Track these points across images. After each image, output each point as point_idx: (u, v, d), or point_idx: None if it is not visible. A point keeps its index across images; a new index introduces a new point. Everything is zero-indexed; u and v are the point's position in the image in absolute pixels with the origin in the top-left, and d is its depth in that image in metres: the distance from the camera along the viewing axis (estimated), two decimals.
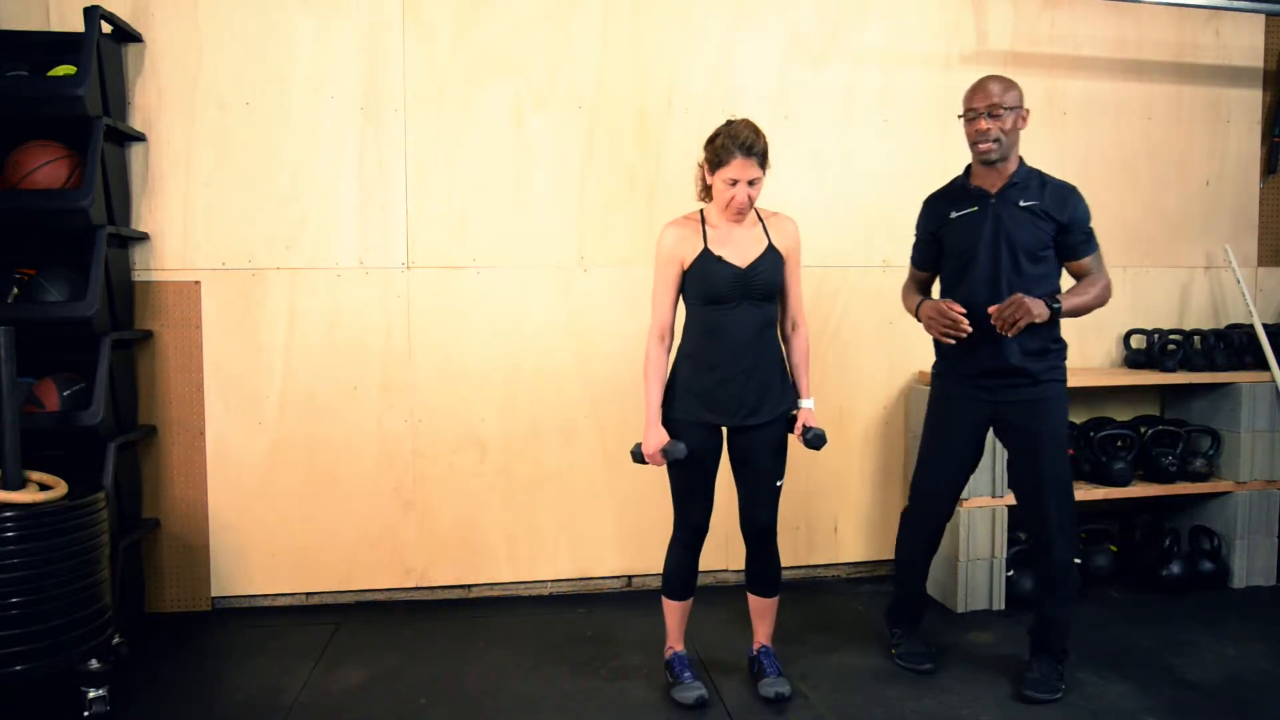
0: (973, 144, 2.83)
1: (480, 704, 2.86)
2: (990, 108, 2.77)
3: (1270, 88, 4.29)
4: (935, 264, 3.02)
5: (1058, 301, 2.75)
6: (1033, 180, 2.84)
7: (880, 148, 3.94)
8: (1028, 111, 2.85)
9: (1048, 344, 2.84)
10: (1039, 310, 2.69)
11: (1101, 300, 2.82)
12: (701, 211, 2.79)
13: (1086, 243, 2.82)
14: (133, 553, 3.45)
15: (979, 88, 2.83)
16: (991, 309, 2.73)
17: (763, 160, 2.64)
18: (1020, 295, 2.70)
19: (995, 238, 2.81)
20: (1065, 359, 2.91)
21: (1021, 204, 2.80)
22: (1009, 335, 2.71)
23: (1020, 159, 2.86)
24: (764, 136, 2.65)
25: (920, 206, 3.05)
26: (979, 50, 4.00)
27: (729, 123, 2.68)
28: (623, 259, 3.77)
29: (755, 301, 2.72)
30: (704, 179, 2.75)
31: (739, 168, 2.61)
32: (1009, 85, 2.81)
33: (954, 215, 2.91)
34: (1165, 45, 4.16)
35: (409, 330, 3.68)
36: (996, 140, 2.78)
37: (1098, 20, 4.08)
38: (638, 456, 2.78)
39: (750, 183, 2.63)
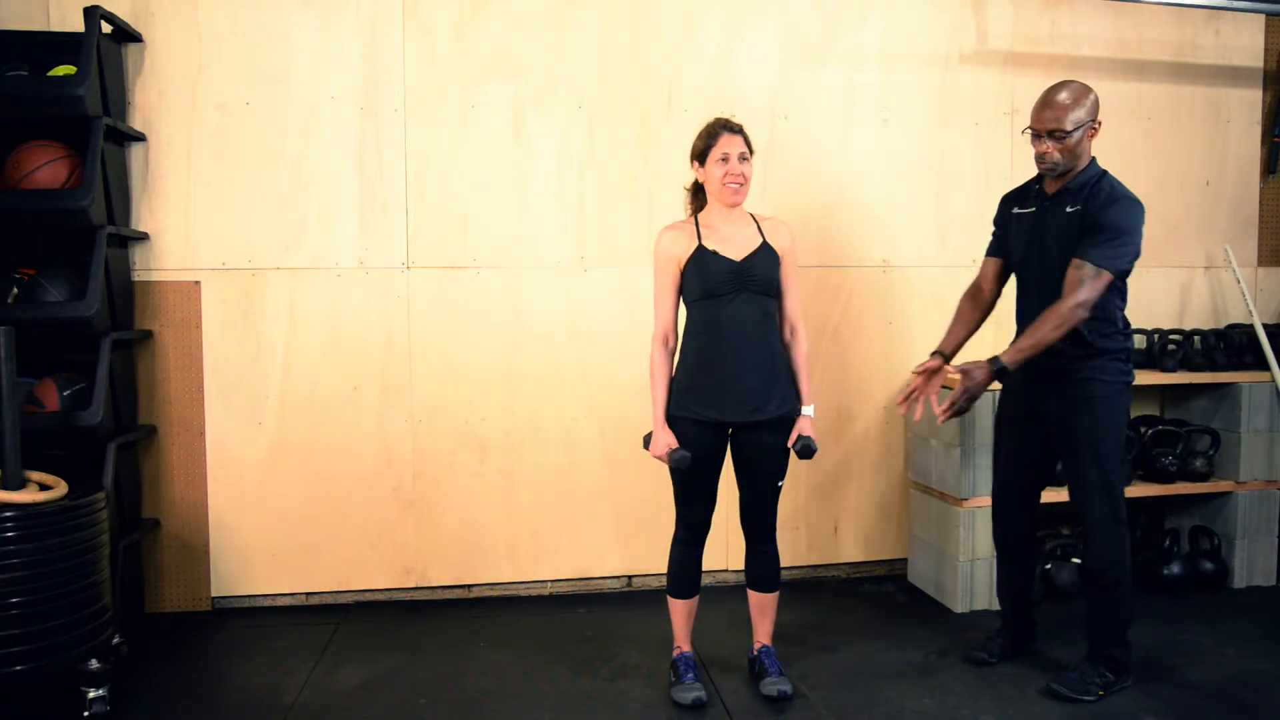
0: (1035, 159, 2.81)
1: (480, 704, 2.86)
2: (1050, 131, 2.72)
3: (1270, 88, 4.29)
4: (1002, 253, 3.03)
5: (1003, 366, 2.66)
6: (1089, 186, 2.75)
7: (880, 148, 3.94)
8: (1099, 124, 2.77)
9: (1102, 346, 2.78)
10: (977, 384, 2.66)
11: (1059, 328, 2.65)
12: (696, 217, 2.84)
13: (1089, 248, 2.67)
14: (133, 553, 3.45)
15: (1045, 104, 2.74)
16: (942, 409, 2.71)
17: (747, 141, 2.76)
18: (967, 373, 2.67)
19: (1039, 239, 2.84)
20: (1125, 360, 2.82)
21: (1068, 209, 2.77)
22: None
23: (1092, 161, 2.80)
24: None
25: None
26: (979, 50, 4.00)
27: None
28: (623, 259, 3.77)
29: (753, 294, 2.74)
30: (693, 188, 2.86)
31: (727, 142, 2.73)
32: (1077, 100, 2.71)
33: (1016, 212, 2.95)
34: (1165, 45, 4.16)
35: (409, 330, 3.68)
36: (1054, 164, 2.76)
37: (1098, 20, 4.08)
38: (648, 446, 2.82)
39: (741, 158, 2.73)
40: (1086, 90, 2.75)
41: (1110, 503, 2.81)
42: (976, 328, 3.07)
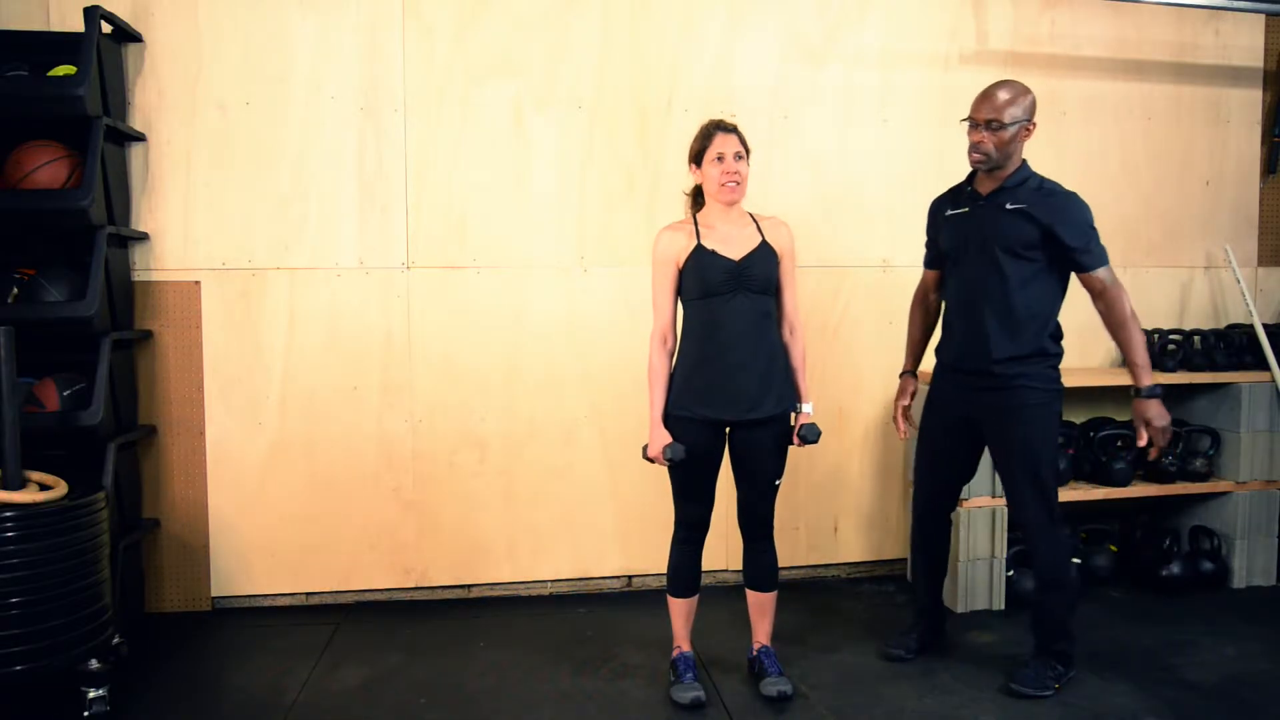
0: (968, 150, 2.86)
1: (480, 704, 2.86)
2: (988, 121, 2.78)
3: (1270, 88, 4.29)
4: (938, 264, 3.08)
5: (1156, 386, 2.77)
6: (1028, 185, 2.83)
7: (880, 148, 3.94)
8: (1034, 125, 2.83)
9: (1036, 350, 2.84)
10: (1158, 415, 2.76)
11: (1138, 325, 2.81)
12: (695, 216, 2.85)
13: (1087, 253, 2.78)
14: (133, 553, 3.45)
15: (985, 97, 2.82)
16: (1152, 454, 2.84)
17: (742, 140, 2.77)
18: (1145, 420, 2.76)
19: (978, 237, 2.87)
20: (1055, 367, 2.90)
21: (1009, 206, 2.82)
22: (1168, 453, 2.78)
23: (1024, 164, 2.86)
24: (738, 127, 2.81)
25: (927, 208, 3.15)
26: (979, 50, 4.00)
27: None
28: (623, 259, 3.77)
29: (751, 294, 2.74)
30: (693, 192, 2.87)
31: (722, 142, 2.74)
32: (1016, 98, 2.79)
33: (948, 214, 2.99)
34: (1165, 45, 4.16)
35: (409, 330, 3.68)
36: (986, 154, 2.81)
37: (1098, 20, 4.08)
38: (647, 455, 2.83)
39: (736, 156, 2.73)
40: (1026, 91, 2.82)
41: (1046, 507, 2.88)
42: (931, 334, 3.21)
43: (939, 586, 3.22)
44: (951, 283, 2.98)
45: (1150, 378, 2.78)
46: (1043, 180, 2.85)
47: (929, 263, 3.14)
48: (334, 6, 3.59)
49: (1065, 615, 2.93)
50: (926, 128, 3.96)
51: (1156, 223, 4.21)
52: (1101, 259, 2.79)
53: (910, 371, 3.18)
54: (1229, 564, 3.87)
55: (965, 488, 3.55)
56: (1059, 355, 2.90)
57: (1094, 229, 2.80)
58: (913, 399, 3.15)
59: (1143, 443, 2.80)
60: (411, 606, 3.70)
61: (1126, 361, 2.82)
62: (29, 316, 3.10)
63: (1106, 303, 2.81)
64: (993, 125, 2.77)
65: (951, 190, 3.04)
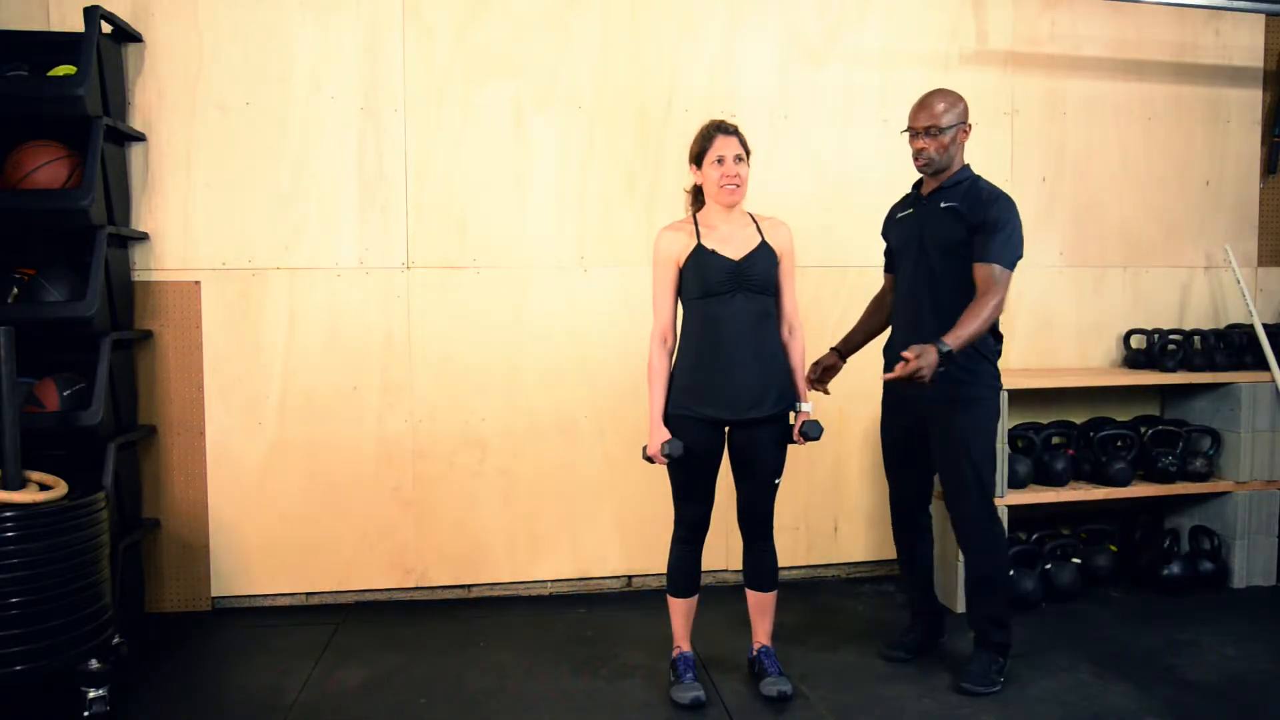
0: (913, 157, 2.97)
1: (480, 704, 2.86)
2: (927, 129, 2.90)
3: (1270, 88, 4.29)
4: (894, 268, 3.15)
5: (952, 352, 2.66)
6: (963, 185, 2.92)
7: (880, 148, 3.94)
8: (969, 127, 2.93)
9: (975, 348, 2.84)
10: (929, 359, 2.64)
11: (988, 320, 2.73)
12: (695, 216, 2.85)
13: (991, 250, 2.77)
14: (133, 553, 3.45)
15: (921, 106, 2.94)
16: (888, 377, 2.73)
17: (743, 142, 2.78)
18: (911, 355, 2.66)
19: (919, 236, 2.97)
20: (994, 364, 2.93)
21: (943, 205, 2.92)
22: (928, 383, 2.66)
23: (965, 166, 2.96)
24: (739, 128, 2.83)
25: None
26: (979, 50, 4.00)
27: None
28: (623, 259, 3.77)
29: (750, 293, 2.75)
30: (693, 191, 2.87)
31: (722, 144, 2.76)
32: (951, 104, 2.92)
33: (898, 216, 3.10)
34: (1165, 45, 4.16)
35: (409, 330, 3.68)
36: (930, 159, 2.92)
37: (1098, 20, 4.08)
38: (646, 455, 2.83)
39: (736, 159, 2.75)
40: (959, 98, 2.95)
41: (983, 500, 2.92)
42: (877, 334, 3.25)
43: (930, 584, 3.22)
44: (898, 282, 3.06)
45: (955, 345, 2.65)
46: (978, 179, 2.94)
47: (887, 267, 3.22)
48: (334, 6, 3.59)
49: (999, 611, 2.95)
50: None
51: (1156, 223, 4.21)
52: (1001, 257, 2.77)
53: (837, 350, 3.20)
54: (1229, 564, 3.86)
55: None
56: (997, 352, 2.96)
57: (1013, 231, 2.81)
58: (824, 372, 3.14)
59: (907, 357, 2.68)
60: (411, 606, 3.70)
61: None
62: (29, 316, 3.10)
63: (982, 297, 2.76)
64: (931, 131, 2.90)
65: (904, 197, 3.13)
